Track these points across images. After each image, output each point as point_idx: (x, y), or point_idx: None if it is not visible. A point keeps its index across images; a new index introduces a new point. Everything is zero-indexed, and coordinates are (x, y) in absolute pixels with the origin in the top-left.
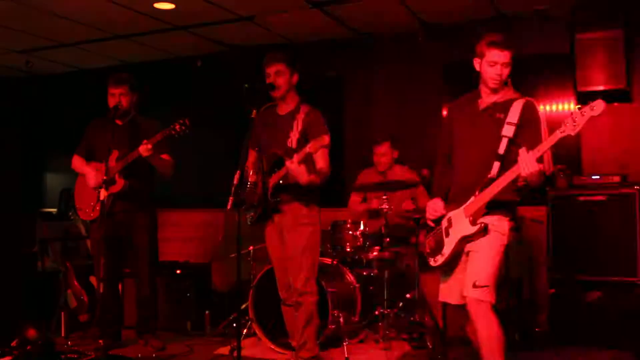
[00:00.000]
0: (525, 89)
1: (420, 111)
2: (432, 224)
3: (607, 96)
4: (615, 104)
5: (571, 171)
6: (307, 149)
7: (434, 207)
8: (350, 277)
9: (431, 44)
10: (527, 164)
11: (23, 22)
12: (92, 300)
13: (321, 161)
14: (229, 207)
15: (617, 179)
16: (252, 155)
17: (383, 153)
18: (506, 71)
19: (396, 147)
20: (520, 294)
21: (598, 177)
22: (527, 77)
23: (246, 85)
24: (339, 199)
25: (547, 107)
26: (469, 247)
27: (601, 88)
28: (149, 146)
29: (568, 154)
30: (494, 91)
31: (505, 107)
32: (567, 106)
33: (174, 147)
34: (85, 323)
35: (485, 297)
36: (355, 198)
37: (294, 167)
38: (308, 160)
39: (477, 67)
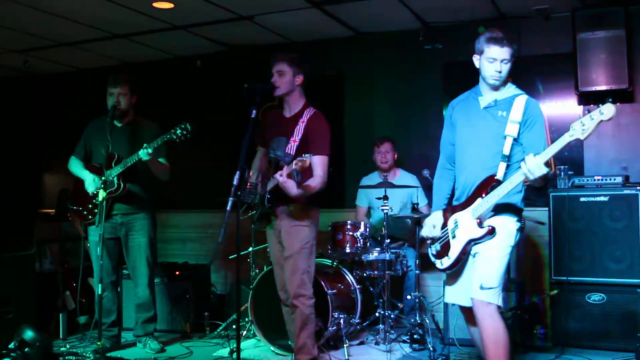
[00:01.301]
0: (527, 89)
1: (421, 111)
2: (428, 240)
3: (609, 96)
4: (617, 104)
5: (573, 171)
6: (293, 165)
7: (433, 223)
8: (350, 279)
9: (431, 43)
10: (534, 168)
11: (22, 21)
12: (90, 302)
13: (318, 169)
14: (228, 207)
15: (619, 179)
16: (260, 153)
17: (386, 150)
18: (505, 68)
19: (396, 148)
20: (521, 295)
21: (600, 177)
22: (529, 77)
23: (246, 85)
24: (339, 199)
25: (549, 107)
26: (475, 248)
27: (603, 88)
28: (150, 151)
29: (570, 154)
30: (494, 88)
31: (506, 104)
32: (568, 106)
33: (173, 147)
34: (84, 325)
35: (492, 299)
36: (361, 210)
37: (282, 180)
38: (304, 170)
39: (476, 64)
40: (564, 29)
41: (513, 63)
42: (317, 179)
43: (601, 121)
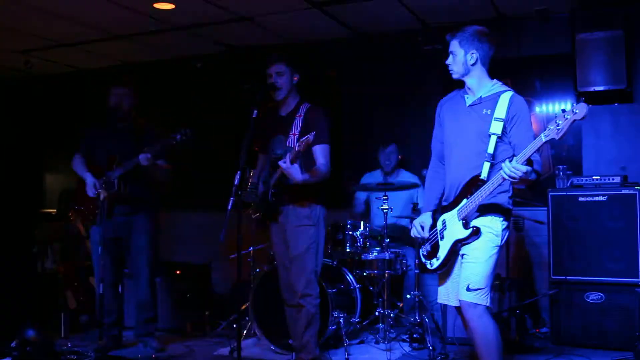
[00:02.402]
0: (526, 89)
1: (420, 111)
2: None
3: (608, 96)
4: (616, 104)
5: (572, 171)
6: (297, 147)
7: (421, 224)
8: (350, 278)
9: (431, 44)
10: (513, 171)
11: (23, 22)
12: (91, 301)
13: (320, 158)
14: (229, 207)
15: (617, 179)
16: (261, 159)
17: (391, 152)
18: (453, 60)
19: (401, 150)
20: (520, 295)
21: (598, 177)
22: (528, 77)
23: (246, 86)
24: (339, 199)
25: (548, 108)
26: (463, 249)
27: (601, 88)
28: (149, 156)
29: (569, 154)
30: (468, 84)
31: (491, 101)
32: (567, 107)
33: (174, 148)
34: (85, 324)
35: (479, 300)
36: (359, 199)
37: (286, 166)
38: (306, 158)
39: None
40: (563, 30)
41: (473, 54)
42: (320, 167)
43: (574, 120)
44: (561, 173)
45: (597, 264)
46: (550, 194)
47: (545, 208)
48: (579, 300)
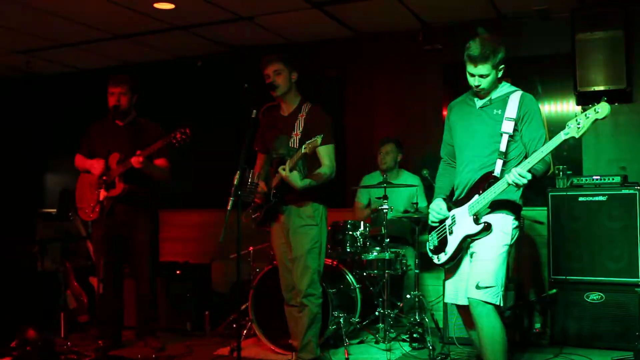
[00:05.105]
0: (525, 89)
1: (421, 112)
2: (434, 225)
3: (607, 96)
4: (616, 104)
5: (572, 171)
6: (302, 150)
7: (437, 208)
8: (350, 278)
9: (431, 44)
10: (518, 178)
11: (23, 22)
12: (91, 301)
13: (326, 160)
14: (229, 207)
15: (617, 179)
16: (260, 159)
17: (388, 151)
18: (485, 81)
19: (401, 151)
20: (520, 295)
21: (598, 177)
22: (527, 77)
23: (246, 86)
24: (340, 199)
25: (548, 107)
26: (472, 248)
27: (601, 88)
28: (141, 159)
29: (569, 154)
30: (482, 95)
31: (502, 102)
32: (567, 106)
33: (173, 146)
34: (85, 324)
35: (488, 298)
36: (359, 206)
37: (284, 175)
38: (312, 159)
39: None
40: (563, 30)
41: (502, 68)
42: (325, 169)
43: (596, 119)
44: (561, 173)
45: (597, 263)
46: (550, 193)
47: (545, 208)
48: (579, 300)
